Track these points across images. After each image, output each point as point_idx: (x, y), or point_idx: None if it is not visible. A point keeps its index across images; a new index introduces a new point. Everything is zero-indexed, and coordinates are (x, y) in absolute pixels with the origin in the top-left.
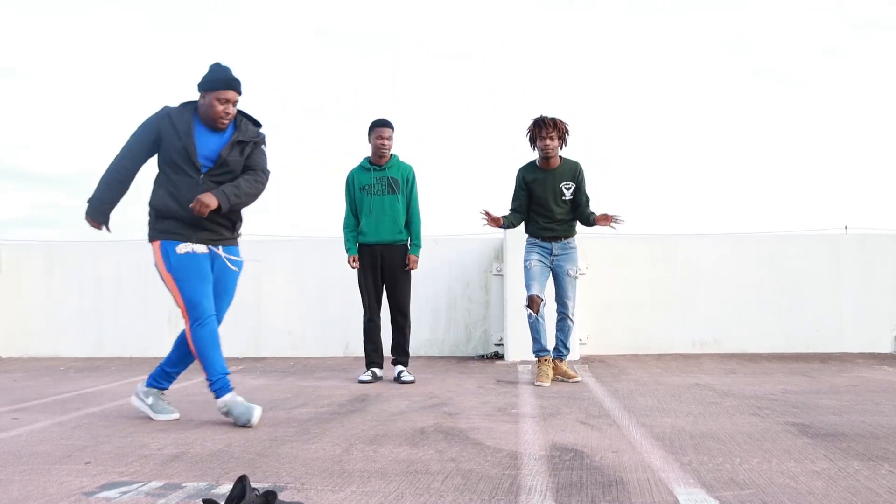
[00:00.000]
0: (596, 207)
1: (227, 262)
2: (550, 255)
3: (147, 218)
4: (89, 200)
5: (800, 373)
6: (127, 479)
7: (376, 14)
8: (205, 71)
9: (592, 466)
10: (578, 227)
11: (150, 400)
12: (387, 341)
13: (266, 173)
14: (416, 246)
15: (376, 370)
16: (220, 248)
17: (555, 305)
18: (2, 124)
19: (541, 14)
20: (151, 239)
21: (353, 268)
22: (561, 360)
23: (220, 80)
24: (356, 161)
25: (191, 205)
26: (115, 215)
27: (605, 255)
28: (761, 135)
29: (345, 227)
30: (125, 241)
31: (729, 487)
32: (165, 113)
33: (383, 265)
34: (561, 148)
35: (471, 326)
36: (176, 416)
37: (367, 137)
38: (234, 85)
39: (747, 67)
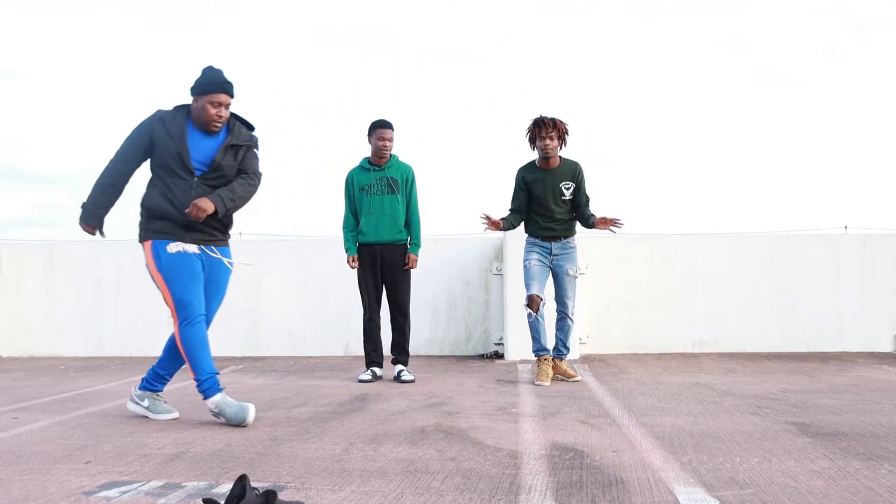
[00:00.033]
0: (596, 207)
1: (224, 259)
2: (550, 254)
3: (139, 219)
4: (83, 205)
5: (800, 372)
6: (127, 478)
7: (376, 14)
8: (198, 74)
9: (592, 466)
10: (578, 226)
11: (145, 402)
12: (387, 341)
13: (258, 176)
14: (416, 245)
15: (376, 369)
16: (212, 248)
17: (554, 305)
18: (2, 124)
19: (541, 14)
20: (142, 239)
21: (353, 268)
22: (561, 360)
23: (212, 84)
24: (356, 161)
25: (187, 210)
26: (114, 216)
27: (604, 255)
28: (761, 135)
29: (344, 227)
30: (125, 241)
31: (729, 487)
32: (158, 117)
33: (383, 265)
34: (561, 148)
35: (471, 326)
36: (175, 414)
37: (367, 138)
38: (227, 88)
39: (747, 67)
